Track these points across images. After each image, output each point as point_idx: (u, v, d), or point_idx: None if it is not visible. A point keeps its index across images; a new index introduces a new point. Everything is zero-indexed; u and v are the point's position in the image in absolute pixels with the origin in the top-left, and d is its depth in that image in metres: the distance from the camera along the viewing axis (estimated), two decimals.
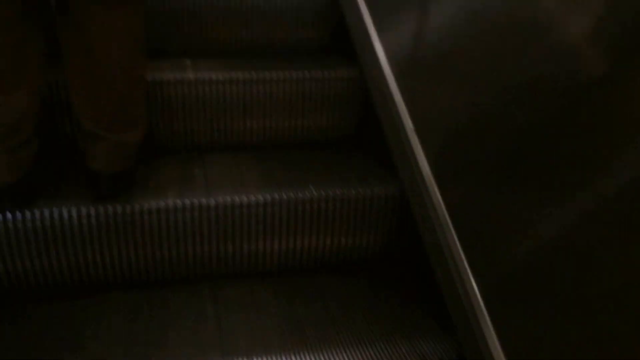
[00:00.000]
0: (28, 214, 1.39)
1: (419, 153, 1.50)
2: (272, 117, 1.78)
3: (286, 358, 1.30)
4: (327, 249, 1.59)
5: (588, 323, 0.96)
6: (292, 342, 1.34)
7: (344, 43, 1.93)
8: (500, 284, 1.18)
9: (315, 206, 1.54)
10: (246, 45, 1.95)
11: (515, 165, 1.15)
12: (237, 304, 1.45)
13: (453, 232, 1.34)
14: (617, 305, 0.91)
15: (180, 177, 1.60)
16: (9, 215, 1.39)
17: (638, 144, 0.88)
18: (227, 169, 1.66)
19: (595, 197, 0.95)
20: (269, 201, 1.51)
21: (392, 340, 1.36)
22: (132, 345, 1.31)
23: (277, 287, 1.51)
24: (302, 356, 1.30)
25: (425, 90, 1.49)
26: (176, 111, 1.72)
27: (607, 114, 0.94)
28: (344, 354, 1.32)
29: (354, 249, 1.61)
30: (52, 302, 1.43)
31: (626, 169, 0.89)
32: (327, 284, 1.53)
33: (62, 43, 1.34)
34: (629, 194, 0.89)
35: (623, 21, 0.91)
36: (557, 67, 1.04)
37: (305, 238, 1.56)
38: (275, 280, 1.54)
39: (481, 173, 1.26)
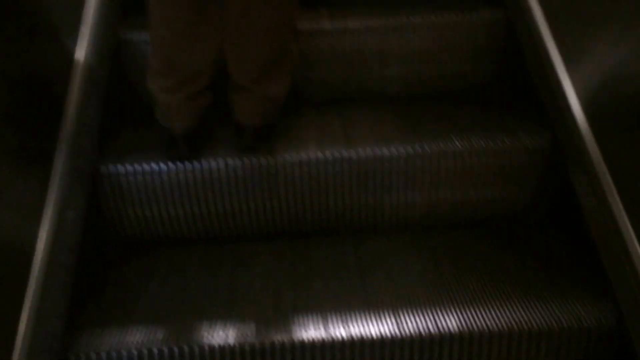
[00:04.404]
0: (197, 163, 1.46)
1: (572, 98, 1.39)
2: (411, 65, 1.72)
3: (432, 314, 1.27)
4: (472, 202, 1.53)
5: None
6: (438, 299, 1.31)
7: None
8: None
9: (459, 159, 1.48)
10: None
11: None
12: (379, 257, 1.44)
13: (612, 184, 1.25)
14: None
15: (320, 128, 1.59)
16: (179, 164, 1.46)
17: None
18: (365, 121, 1.62)
19: None
20: (410, 153, 1.47)
21: (544, 300, 1.30)
22: (281, 291, 1.35)
23: (419, 243, 1.48)
24: (449, 313, 1.27)
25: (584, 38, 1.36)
26: (313, 61, 1.71)
27: None
28: (492, 312, 1.27)
29: (499, 204, 1.54)
30: (203, 248, 1.51)
31: None
32: (471, 243, 1.48)
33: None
34: None
35: None
36: None
37: (447, 191, 1.51)
38: (418, 236, 1.51)
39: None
